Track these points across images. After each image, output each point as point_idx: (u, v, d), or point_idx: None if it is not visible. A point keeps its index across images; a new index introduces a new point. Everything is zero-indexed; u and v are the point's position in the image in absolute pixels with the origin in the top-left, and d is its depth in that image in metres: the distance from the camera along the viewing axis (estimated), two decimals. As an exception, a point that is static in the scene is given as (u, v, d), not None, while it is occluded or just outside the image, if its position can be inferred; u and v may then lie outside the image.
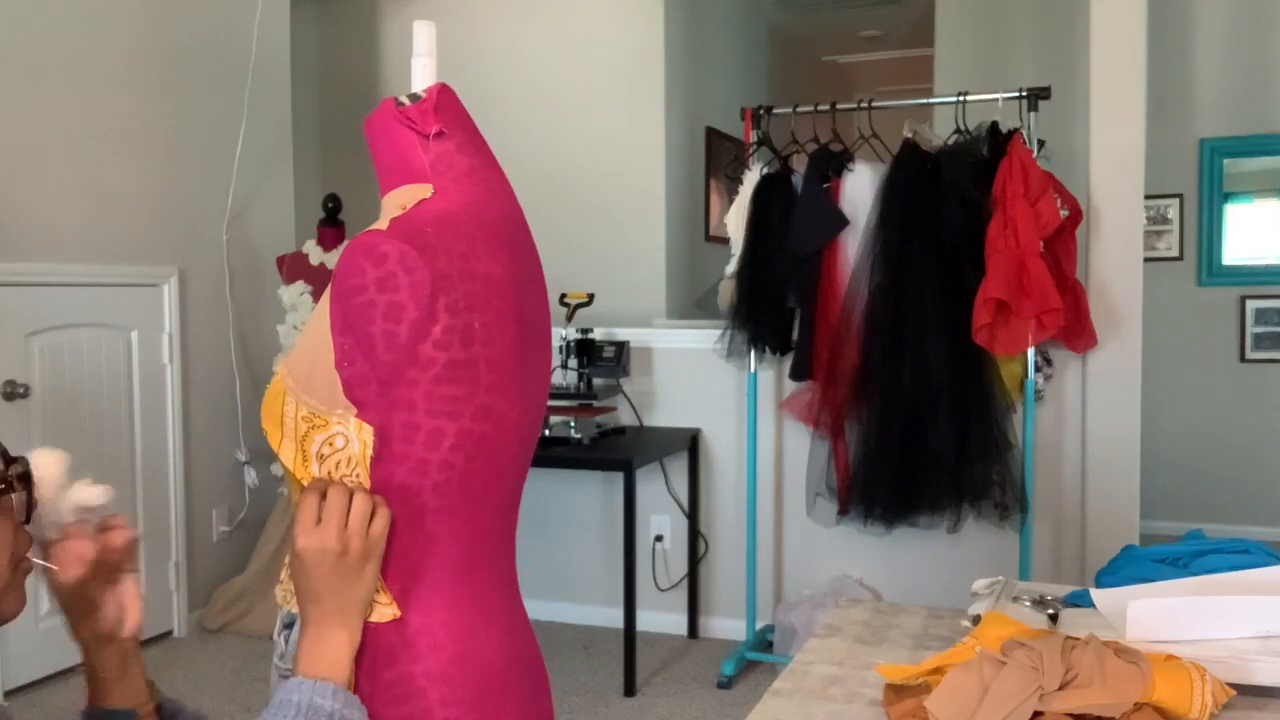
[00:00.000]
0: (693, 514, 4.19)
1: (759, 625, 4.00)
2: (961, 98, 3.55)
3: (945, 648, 1.50)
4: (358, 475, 1.01)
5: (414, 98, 1.07)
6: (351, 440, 1.00)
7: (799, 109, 3.78)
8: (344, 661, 0.98)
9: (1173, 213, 5.47)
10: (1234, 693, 1.27)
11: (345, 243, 2.31)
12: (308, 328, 1.05)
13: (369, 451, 1.00)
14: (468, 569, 1.06)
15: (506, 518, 1.11)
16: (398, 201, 1.06)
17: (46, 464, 0.98)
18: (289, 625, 1.10)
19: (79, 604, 1.02)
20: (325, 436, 1.02)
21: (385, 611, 1.03)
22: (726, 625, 4.16)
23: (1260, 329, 5.37)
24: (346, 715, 0.96)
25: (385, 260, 0.96)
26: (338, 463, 1.02)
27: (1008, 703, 1.18)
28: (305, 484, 1.03)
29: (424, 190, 1.05)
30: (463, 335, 0.98)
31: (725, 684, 3.68)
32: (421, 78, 1.09)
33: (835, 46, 8.16)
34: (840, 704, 1.38)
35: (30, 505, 0.91)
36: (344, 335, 0.99)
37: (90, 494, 0.99)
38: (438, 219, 1.01)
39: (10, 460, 0.91)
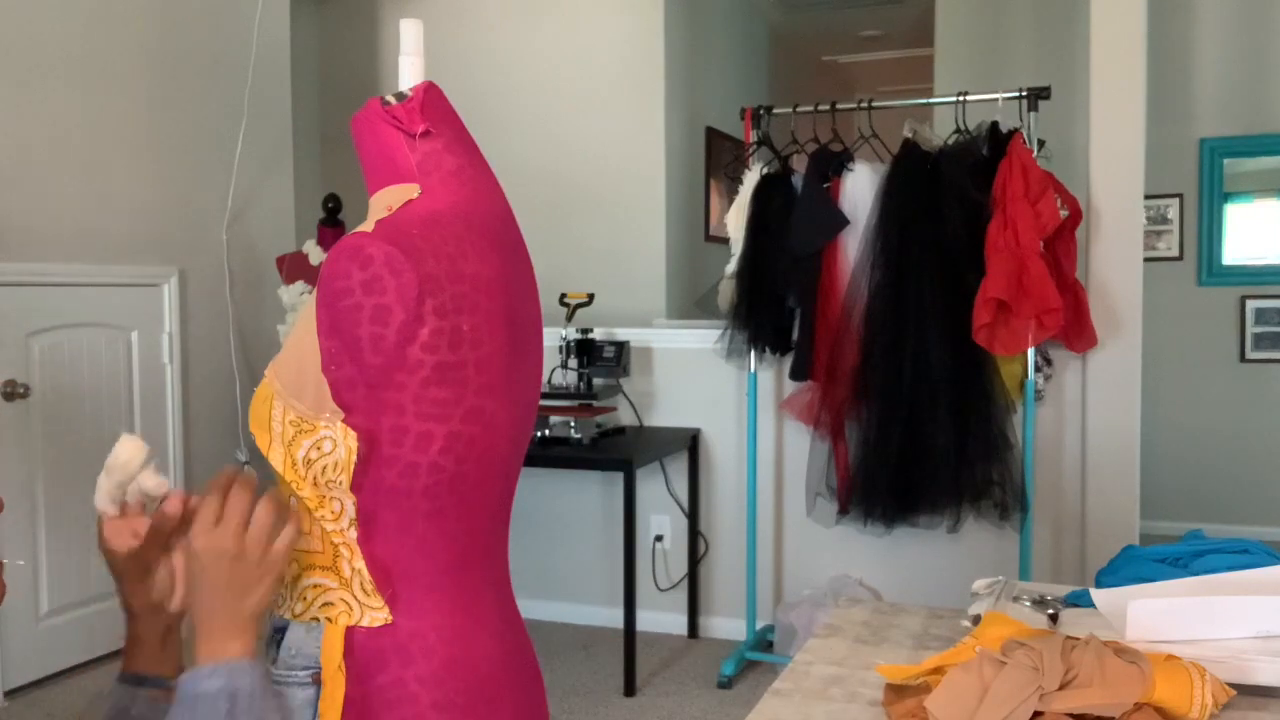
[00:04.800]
0: (693, 514, 4.18)
1: (759, 625, 4.00)
2: (961, 98, 3.55)
3: (945, 648, 1.49)
4: (342, 481, 1.00)
5: (400, 96, 1.06)
6: (339, 445, 1.00)
7: (799, 109, 3.77)
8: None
9: (1173, 213, 5.47)
10: (1234, 693, 1.27)
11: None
12: (295, 331, 1.05)
13: (353, 458, 0.99)
14: (459, 571, 1.05)
15: (498, 519, 1.10)
16: (384, 202, 1.05)
17: (128, 450, 1.04)
18: (279, 630, 1.10)
19: (132, 572, 1.05)
20: (313, 441, 1.01)
21: (377, 616, 1.02)
22: (726, 625, 4.16)
23: (1260, 329, 5.37)
24: (235, 686, 0.94)
25: (371, 263, 0.95)
26: (324, 468, 1.01)
27: (1008, 703, 1.18)
28: (295, 488, 1.03)
29: (411, 190, 1.04)
30: (451, 338, 0.98)
31: (725, 684, 3.67)
32: (409, 76, 1.08)
33: (835, 46, 8.16)
34: (840, 704, 1.38)
35: None
36: (330, 338, 0.98)
37: (153, 483, 1.04)
38: (425, 220, 1.00)
39: None
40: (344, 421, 0.99)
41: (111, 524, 1.05)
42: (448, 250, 0.99)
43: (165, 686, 1.05)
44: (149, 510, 1.06)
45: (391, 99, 1.06)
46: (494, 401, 1.02)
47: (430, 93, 1.06)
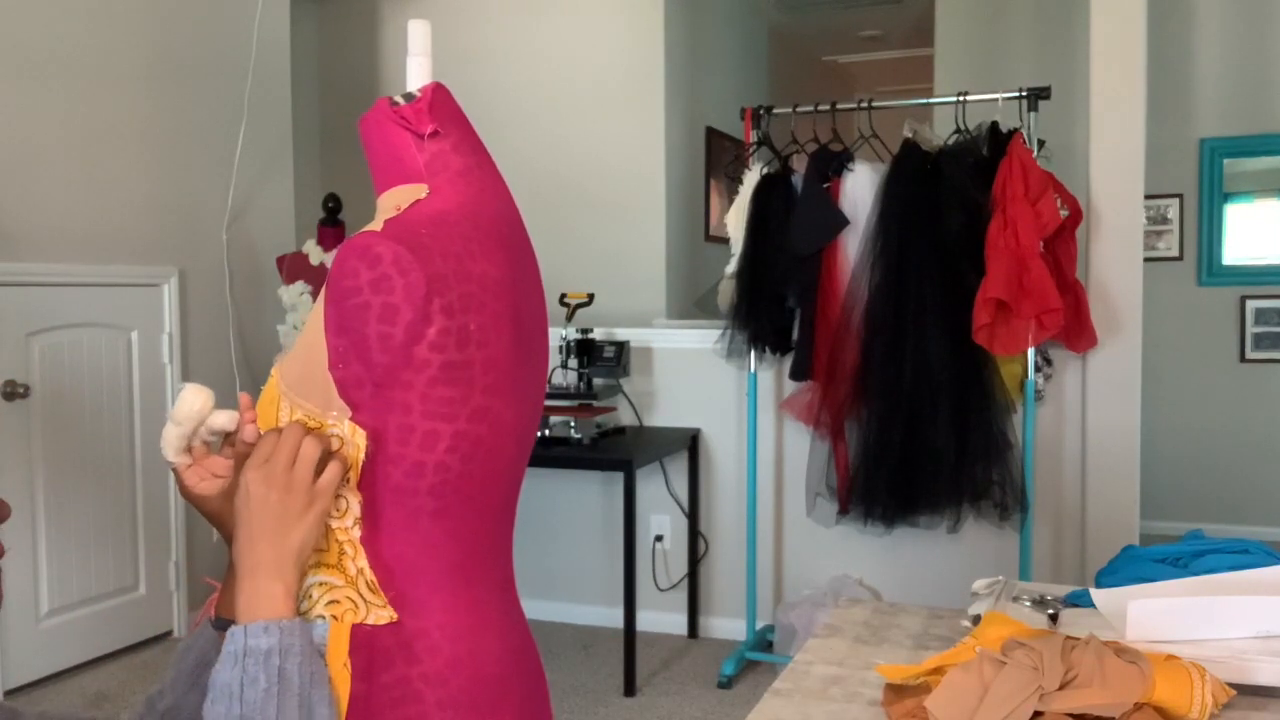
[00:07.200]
0: (693, 514, 4.19)
1: (759, 625, 4.00)
2: (961, 98, 3.55)
3: (945, 648, 1.50)
4: (349, 478, 1.01)
5: (409, 97, 1.06)
6: (346, 443, 1.00)
7: (799, 109, 3.77)
8: (281, 609, 0.97)
9: (1173, 213, 5.47)
10: (1234, 693, 1.27)
11: (345, 243, 2.32)
12: (303, 331, 1.06)
13: (362, 455, 1.00)
14: (464, 571, 1.06)
15: (503, 519, 1.11)
16: (392, 202, 1.05)
17: (199, 399, 1.07)
18: None
19: (228, 508, 1.09)
20: None
21: (381, 614, 1.03)
22: (726, 625, 4.16)
23: (1260, 329, 5.37)
24: (286, 644, 0.95)
25: (379, 262, 0.96)
26: None
27: (1008, 703, 1.18)
28: None
29: (419, 190, 1.05)
30: (458, 337, 0.98)
31: (725, 684, 3.68)
32: (416, 77, 1.08)
33: (835, 46, 8.16)
34: (840, 704, 1.38)
35: None
36: (338, 337, 0.98)
37: (224, 419, 1.07)
38: (433, 220, 1.01)
39: None
40: (351, 419, 1.00)
41: (189, 472, 1.10)
42: (455, 250, 0.99)
43: None
44: (215, 449, 1.10)
45: (400, 100, 1.06)
46: (500, 401, 1.02)
47: (439, 93, 1.06)
